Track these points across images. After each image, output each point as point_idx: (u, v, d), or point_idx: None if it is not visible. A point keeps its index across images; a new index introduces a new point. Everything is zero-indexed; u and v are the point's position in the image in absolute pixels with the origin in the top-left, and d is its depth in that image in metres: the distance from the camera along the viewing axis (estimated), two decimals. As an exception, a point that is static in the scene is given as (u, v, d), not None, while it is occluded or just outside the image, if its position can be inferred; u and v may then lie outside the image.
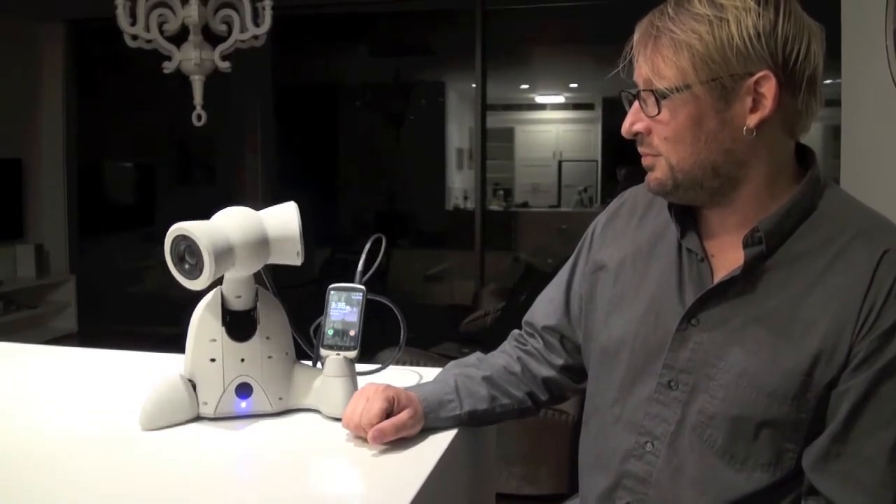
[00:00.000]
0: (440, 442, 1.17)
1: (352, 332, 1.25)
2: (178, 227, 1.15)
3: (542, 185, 10.49)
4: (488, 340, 3.70)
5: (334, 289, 1.27)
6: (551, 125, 10.75)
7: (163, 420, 1.22)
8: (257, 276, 1.26)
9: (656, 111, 1.07)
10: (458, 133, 9.79)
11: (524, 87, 10.12)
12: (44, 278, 6.08)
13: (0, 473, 1.07)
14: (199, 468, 1.10)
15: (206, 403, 1.24)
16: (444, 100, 9.35)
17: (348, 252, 5.81)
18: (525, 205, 9.85)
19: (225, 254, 1.16)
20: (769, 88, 1.04)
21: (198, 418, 1.25)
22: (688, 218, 1.18)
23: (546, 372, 1.35)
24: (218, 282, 1.25)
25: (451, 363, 1.35)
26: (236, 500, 1.00)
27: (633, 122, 1.12)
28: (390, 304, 1.38)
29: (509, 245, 7.40)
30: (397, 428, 1.14)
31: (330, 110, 8.16)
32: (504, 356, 1.37)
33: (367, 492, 1.07)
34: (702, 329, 1.11)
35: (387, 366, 1.42)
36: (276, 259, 1.24)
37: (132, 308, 6.39)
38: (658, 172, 1.12)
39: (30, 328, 5.79)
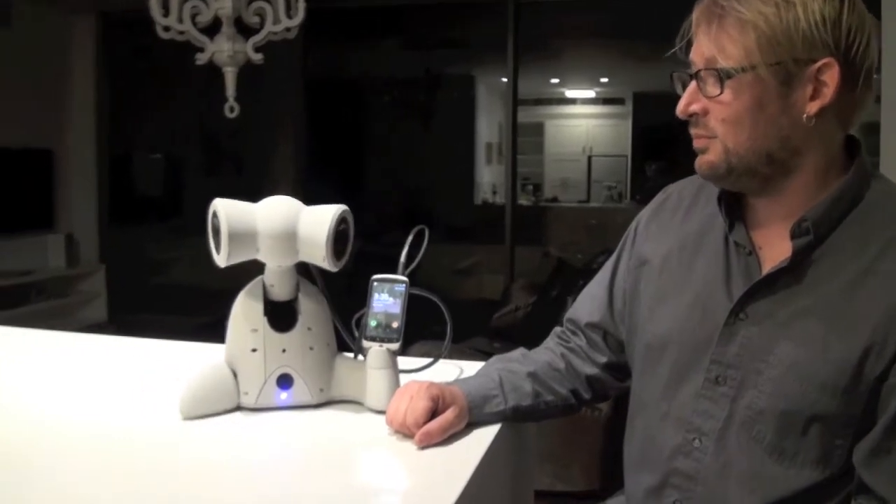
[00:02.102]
0: (484, 437, 1.15)
1: (394, 324, 1.23)
2: (214, 203, 1.17)
3: (572, 180, 10.44)
4: (519, 335, 3.69)
5: (377, 280, 1.26)
6: (581, 120, 10.70)
7: (203, 409, 1.21)
8: (302, 267, 1.25)
9: (718, 91, 1.05)
10: (488, 127, 9.76)
11: (554, 81, 10.07)
12: (74, 268, 6.11)
13: (40, 461, 1.07)
14: (240, 459, 1.09)
15: (246, 393, 1.23)
16: (474, 94, 9.32)
17: (377, 245, 5.80)
18: (554, 200, 9.81)
19: (245, 238, 1.16)
20: (831, 77, 1.01)
21: (238, 408, 1.24)
22: (735, 210, 1.15)
23: (589, 370, 1.33)
24: (260, 270, 1.24)
25: (494, 358, 1.33)
26: (278, 491, 0.99)
27: (689, 102, 1.10)
28: (434, 298, 1.36)
29: (538, 240, 7.36)
30: (444, 429, 1.12)
31: (360, 103, 8.16)
32: (548, 353, 1.35)
33: (413, 487, 1.05)
34: (750, 323, 1.09)
35: (436, 361, 1.41)
36: (307, 259, 1.22)
37: (162, 298, 6.42)
38: (711, 155, 1.10)
39: (60, 317, 5.82)
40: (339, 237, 1.19)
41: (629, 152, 10.40)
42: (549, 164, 10.67)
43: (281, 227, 1.18)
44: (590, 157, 10.52)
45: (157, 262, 6.90)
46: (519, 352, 1.34)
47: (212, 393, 1.22)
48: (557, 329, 1.41)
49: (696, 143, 1.12)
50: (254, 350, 1.22)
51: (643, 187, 9.44)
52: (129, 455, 1.09)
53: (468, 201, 9.04)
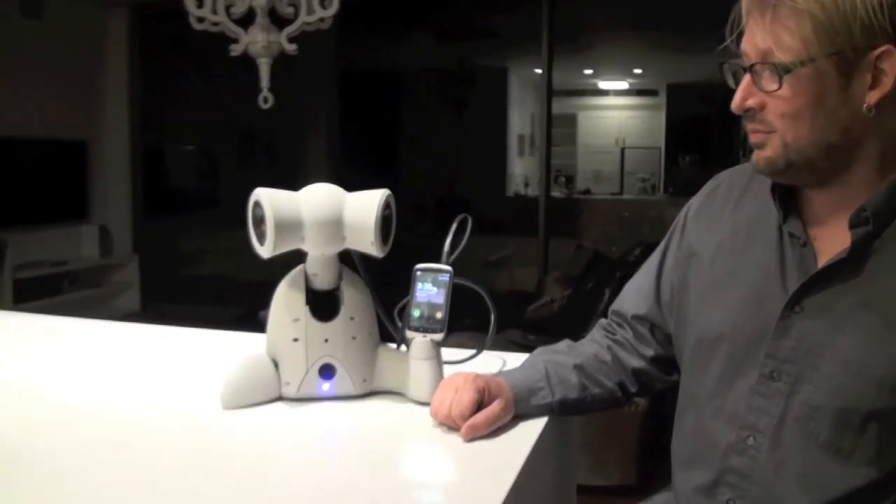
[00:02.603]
0: (531, 431, 1.12)
1: (438, 315, 1.21)
2: (256, 193, 1.14)
3: (605, 172, 10.37)
4: (555, 328, 3.66)
5: (421, 269, 1.23)
6: (614, 111, 10.62)
7: (245, 399, 1.19)
8: (345, 256, 1.23)
9: (775, 86, 1.01)
10: (520, 119, 9.72)
11: (588, 72, 10.00)
12: (107, 258, 6.16)
13: (80, 447, 1.06)
14: (281, 449, 1.08)
15: (288, 384, 1.21)
16: (507, 85, 9.28)
17: (410, 236, 5.79)
18: (587, 192, 9.75)
19: (291, 228, 1.14)
20: (891, 65, 0.97)
21: (279, 399, 1.22)
22: (789, 200, 1.12)
23: (636, 363, 1.30)
24: (301, 259, 1.22)
25: (539, 349, 1.30)
26: (321, 483, 0.97)
27: (745, 97, 1.06)
28: (477, 288, 1.33)
29: (571, 233, 7.32)
30: (490, 422, 1.10)
31: (393, 95, 8.15)
32: (594, 345, 1.32)
33: (460, 481, 1.02)
34: (806, 316, 1.06)
35: (479, 352, 1.38)
36: (354, 245, 1.20)
37: (195, 289, 6.46)
38: (769, 150, 1.06)
39: (93, 308, 5.86)
40: (385, 222, 1.18)
41: (662, 144, 10.31)
42: (581, 155, 10.61)
43: (326, 213, 1.16)
44: (623, 149, 10.44)
45: (190, 252, 6.94)
46: (564, 343, 1.31)
47: (253, 383, 1.20)
48: (603, 321, 1.38)
49: (753, 139, 1.08)
50: (295, 340, 1.20)
51: (676, 180, 9.36)
52: (169, 443, 1.08)
53: (500, 193, 9.01)
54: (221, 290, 6.10)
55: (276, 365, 1.21)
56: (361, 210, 1.17)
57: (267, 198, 1.13)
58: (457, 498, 0.93)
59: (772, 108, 1.03)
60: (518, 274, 6.17)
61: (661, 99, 10.43)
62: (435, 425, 1.12)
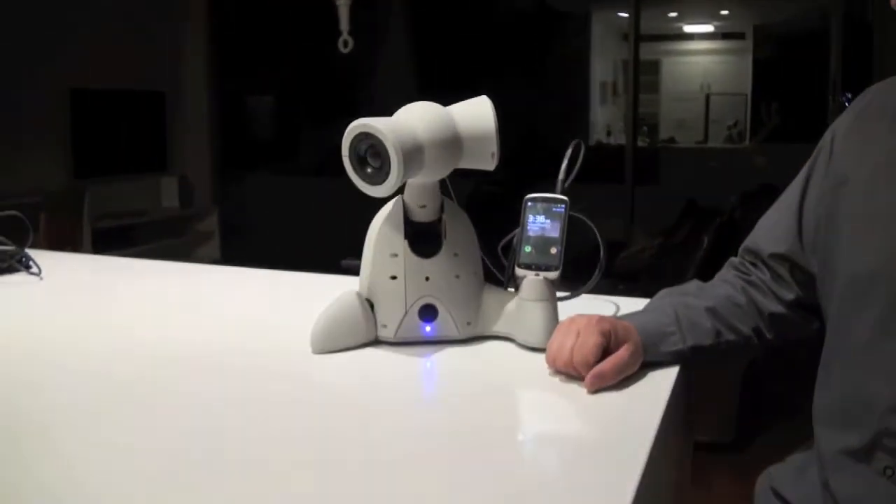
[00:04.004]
0: (663, 381, 0.99)
1: (553, 250, 1.07)
2: (360, 124, 0.99)
3: (688, 120, 10.02)
4: (646, 278, 3.50)
5: (532, 199, 1.10)
6: (699, 56, 10.23)
7: (337, 343, 1.08)
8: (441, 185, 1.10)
9: None
10: (602, 65, 9.42)
11: (672, 15, 9.62)
12: (187, 209, 6.17)
13: (170, 386, 0.98)
14: (378, 397, 0.96)
15: (385, 326, 1.09)
16: (590, 30, 8.99)
17: (488, 184, 5.66)
18: (671, 140, 9.43)
19: (414, 154, 0.99)
20: None
21: (375, 342, 1.11)
22: None
23: (774, 307, 1.14)
24: (399, 190, 1.09)
25: (665, 291, 1.15)
26: (423, 435, 0.85)
27: None
28: (589, 222, 1.20)
29: (655, 182, 7.08)
30: (619, 370, 0.96)
31: (472, 39, 7.93)
32: (726, 286, 1.16)
33: (591, 439, 0.87)
34: None
35: (581, 292, 1.24)
36: (469, 162, 1.07)
37: (275, 240, 6.43)
38: None
39: (174, 258, 5.89)
40: None
41: (749, 90, 9.89)
42: (665, 103, 10.26)
43: (444, 131, 1.04)
44: (708, 96, 10.05)
45: (271, 203, 6.91)
46: (693, 284, 1.16)
47: (345, 325, 1.09)
48: (734, 260, 1.22)
49: None
50: (393, 277, 1.08)
51: (764, 127, 9.00)
52: (260, 385, 0.98)
53: (582, 138, 8.78)
54: (301, 241, 6.07)
55: (371, 306, 1.10)
56: (477, 119, 1.06)
57: (383, 127, 0.97)
58: (590, 459, 0.80)
59: None
60: (601, 224, 6.00)
61: (748, 42, 9.99)
62: (552, 373, 0.99)
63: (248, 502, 0.69)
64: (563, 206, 1.08)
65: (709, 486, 2.67)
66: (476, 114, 1.05)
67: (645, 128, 9.40)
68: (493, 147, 1.04)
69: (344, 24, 3.63)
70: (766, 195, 4.11)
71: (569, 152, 1.14)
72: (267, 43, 6.59)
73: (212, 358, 1.10)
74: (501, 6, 7.90)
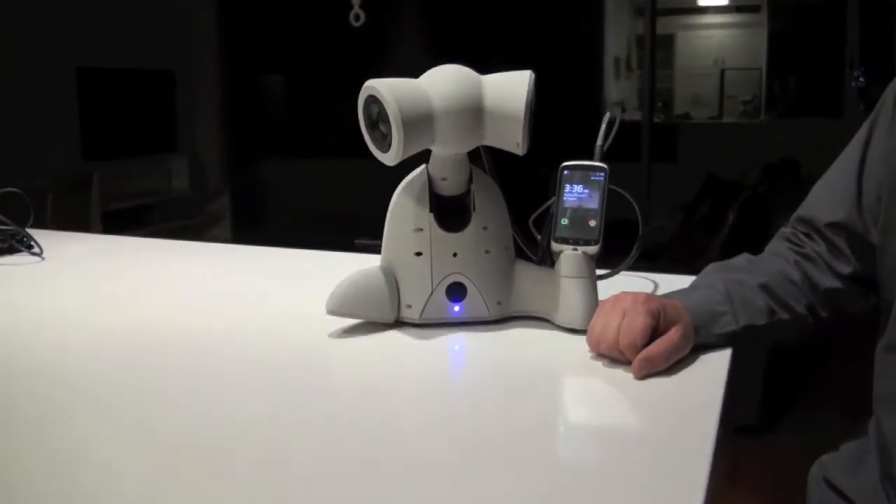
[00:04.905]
0: (717, 365, 0.90)
1: (592, 223, 0.98)
2: (369, 86, 0.92)
3: (703, 95, 9.88)
4: (667, 256, 3.40)
5: (569, 167, 1.01)
6: (713, 31, 10.08)
7: (355, 309, 1.00)
8: (473, 154, 1.01)
9: None
10: (616, 40, 9.28)
11: (686, -12, 9.48)
12: (198, 189, 6.10)
13: (188, 363, 0.90)
14: (404, 382, 0.89)
15: (409, 306, 1.01)
16: (603, 3, 8.85)
17: (498, 163, 5.57)
18: (685, 116, 9.30)
19: (420, 124, 0.91)
20: None
21: (398, 323, 1.02)
22: None
23: (829, 282, 1.05)
24: (423, 157, 1.00)
25: (712, 266, 1.06)
26: (454, 427, 0.76)
27: None
28: (626, 194, 1.11)
29: (671, 158, 6.97)
30: (669, 354, 0.87)
31: (483, 14, 7.81)
32: (778, 260, 1.07)
33: (645, 430, 0.78)
34: None
35: (620, 269, 1.16)
36: (493, 141, 0.97)
37: (288, 221, 6.36)
38: None
39: (185, 238, 5.82)
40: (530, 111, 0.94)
41: (764, 64, 9.75)
42: (679, 79, 10.11)
43: (464, 103, 0.93)
44: (722, 71, 9.91)
45: (283, 183, 6.84)
46: (743, 258, 1.07)
47: (365, 293, 1.00)
48: (785, 230, 1.13)
49: None
50: (418, 254, 0.99)
51: (781, 101, 8.87)
52: (271, 371, 0.90)
53: (595, 117, 8.67)
54: (315, 221, 5.99)
55: (396, 283, 1.01)
56: (506, 95, 0.93)
57: (386, 89, 0.90)
58: (642, 454, 0.70)
59: None
60: (617, 201, 5.90)
61: (763, 15, 9.84)
62: (593, 357, 0.91)
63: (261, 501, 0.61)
64: (603, 174, 1.00)
65: (734, 470, 2.59)
66: (507, 90, 0.94)
67: (660, 104, 9.28)
68: (518, 136, 0.93)
69: (355, -4, 3.55)
70: (790, 170, 4.01)
71: (607, 116, 1.05)
72: (277, 20, 6.49)
73: (218, 342, 1.02)
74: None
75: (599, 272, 1.05)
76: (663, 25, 9.77)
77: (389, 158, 0.93)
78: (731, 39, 10.18)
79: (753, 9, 9.97)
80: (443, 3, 6.70)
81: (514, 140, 0.94)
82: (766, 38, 9.81)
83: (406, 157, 0.93)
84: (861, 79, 5.56)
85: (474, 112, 0.94)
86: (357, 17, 3.60)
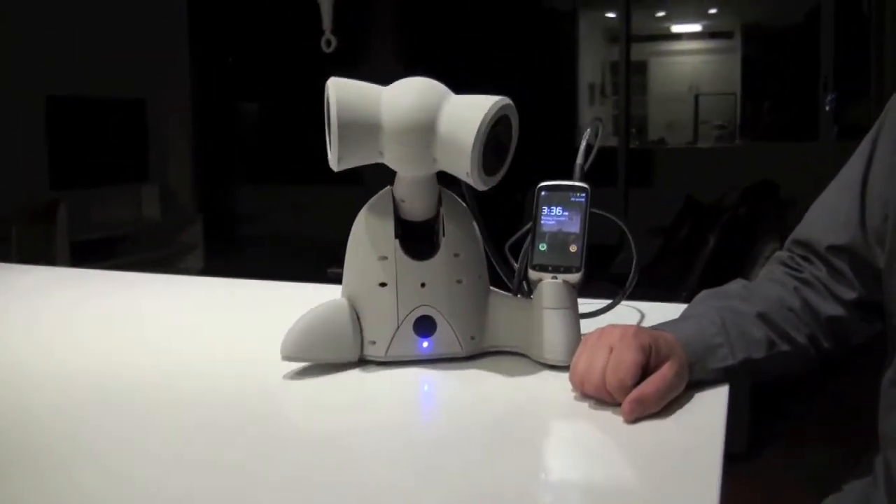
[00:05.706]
0: (714, 403, 0.81)
1: (573, 248, 0.90)
2: (329, 83, 0.85)
3: (678, 121, 9.91)
4: (646, 281, 3.34)
5: (546, 188, 0.92)
6: (687, 56, 10.13)
7: (311, 352, 0.91)
8: (444, 177, 0.92)
9: None
10: (591, 66, 9.29)
11: (660, 15, 9.51)
12: (169, 219, 5.99)
13: (126, 414, 0.78)
14: (367, 431, 0.78)
15: (373, 343, 0.92)
16: (577, 30, 8.86)
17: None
18: (660, 142, 9.33)
19: (362, 131, 0.84)
20: None
21: (363, 362, 0.93)
22: None
23: (831, 309, 0.97)
24: (390, 179, 0.92)
25: (705, 293, 0.98)
26: (423, 480, 0.67)
27: None
28: (617, 221, 1.03)
29: (647, 184, 6.95)
30: (663, 394, 0.78)
31: (454, 36, 7.78)
32: (776, 286, 0.99)
33: (637, 483, 0.69)
34: None
35: (616, 303, 1.07)
36: (447, 167, 0.86)
37: (262, 249, 6.27)
38: None
39: (157, 268, 5.71)
40: (493, 142, 0.83)
41: (738, 89, 9.81)
42: (653, 104, 10.15)
43: (413, 119, 0.84)
44: (697, 96, 9.96)
45: (256, 212, 6.75)
46: (738, 284, 0.99)
47: (325, 335, 0.91)
48: (782, 254, 1.05)
49: None
50: (383, 284, 0.90)
51: (757, 125, 8.93)
52: (225, 416, 0.80)
53: (569, 143, 8.63)
54: (288, 250, 5.90)
55: (357, 318, 0.92)
56: (460, 121, 0.82)
57: (335, 88, 0.83)
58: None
59: None
60: (595, 229, 5.88)
61: (737, 41, 9.93)
62: (578, 398, 0.82)
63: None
64: (584, 194, 0.91)
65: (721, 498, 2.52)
66: (464, 115, 0.83)
67: (634, 130, 9.28)
68: (467, 165, 0.82)
69: (326, 23, 3.51)
70: (768, 193, 3.96)
71: (586, 133, 0.96)
72: (249, 47, 6.44)
73: (173, 382, 0.92)
74: (486, 4, 7.78)
75: (583, 305, 0.96)
76: (637, 52, 9.79)
77: (330, 161, 0.85)
78: (705, 65, 10.25)
79: (727, 35, 10.04)
80: (415, 29, 6.67)
81: (463, 169, 0.83)
82: (740, 64, 9.89)
83: (352, 165, 0.86)
84: (834, 102, 5.57)
85: (424, 131, 0.84)
86: (328, 43, 3.55)
